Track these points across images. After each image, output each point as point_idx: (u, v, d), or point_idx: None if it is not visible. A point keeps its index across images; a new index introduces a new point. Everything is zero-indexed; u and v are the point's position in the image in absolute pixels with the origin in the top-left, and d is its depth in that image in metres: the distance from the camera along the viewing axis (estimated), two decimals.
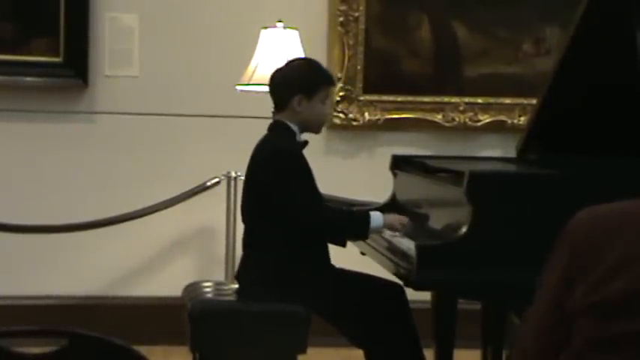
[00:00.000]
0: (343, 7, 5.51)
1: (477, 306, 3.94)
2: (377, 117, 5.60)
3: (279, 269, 3.69)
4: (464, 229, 3.21)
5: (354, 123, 5.59)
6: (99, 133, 5.51)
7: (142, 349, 1.80)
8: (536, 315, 1.81)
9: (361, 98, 5.59)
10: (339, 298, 3.72)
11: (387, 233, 3.72)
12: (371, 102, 5.60)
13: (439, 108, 5.64)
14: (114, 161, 5.49)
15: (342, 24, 5.52)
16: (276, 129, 3.81)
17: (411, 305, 3.79)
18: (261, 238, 3.76)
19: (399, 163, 4.23)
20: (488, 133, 5.66)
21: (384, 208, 4.01)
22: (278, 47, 4.84)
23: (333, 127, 5.53)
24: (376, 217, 3.70)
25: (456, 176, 3.43)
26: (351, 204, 4.88)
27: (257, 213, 3.78)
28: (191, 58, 5.52)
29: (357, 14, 5.52)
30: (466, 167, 3.39)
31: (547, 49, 5.62)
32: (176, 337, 4.41)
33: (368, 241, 3.82)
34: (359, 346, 3.77)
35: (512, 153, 3.94)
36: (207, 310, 3.76)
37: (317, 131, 3.89)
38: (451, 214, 3.46)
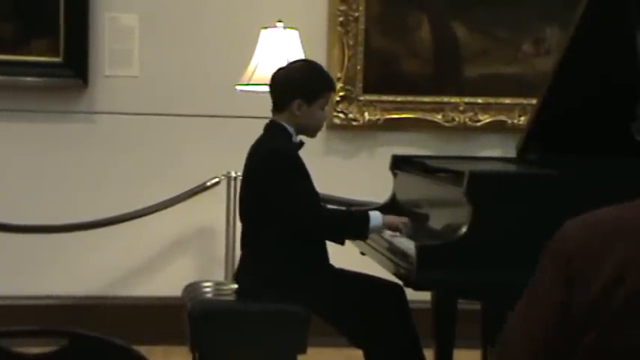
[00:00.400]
0: (343, 7, 5.51)
1: (476, 306, 3.93)
2: (377, 117, 5.61)
3: (277, 269, 3.69)
4: (464, 229, 3.21)
5: (354, 123, 5.59)
6: (99, 133, 5.51)
7: (142, 349, 1.80)
8: (530, 328, 1.76)
9: (361, 98, 5.59)
10: (338, 299, 3.72)
11: (388, 233, 3.71)
12: (371, 102, 5.60)
13: (439, 108, 5.64)
14: (114, 161, 5.49)
15: (341, 24, 5.52)
16: (272, 129, 3.81)
17: (411, 305, 3.79)
18: (259, 239, 3.76)
19: (399, 163, 4.23)
20: (488, 133, 5.66)
21: (383, 208, 4.01)
22: (278, 47, 4.84)
23: (333, 127, 5.53)
24: (375, 217, 3.69)
25: (456, 176, 3.43)
26: (350, 204, 4.89)
27: (255, 213, 3.78)
28: (191, 58, 5.52)
29: (356, 14, 5.52)
30: (466, 167, 3.39)
31: (547, 49, 5.62)
32: (176, 337, 4.41)
33: (368, 241, 3.82)
34: (359, 346, 3.77)
35: (512, 153, 3.93)
36: (207, 310, 3.76)
37: (312, 135, 3.88)
38: (451, 214, 3.46)
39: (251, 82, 4.82)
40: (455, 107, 5.65)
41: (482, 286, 3.24)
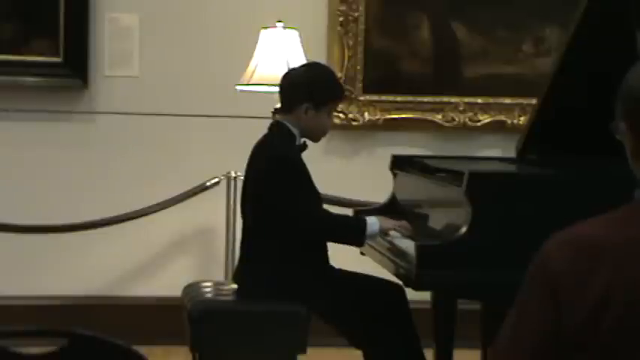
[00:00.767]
0: (343, 8, 5.51)
1: (476, 306, 3.93)
2: (377, 117, 5.61)
3: (277, 270, 3.69)
4: (464, 229, 3.21)
5: (354, 123, 5.59)
6: (98, 133, 5.51)
7: (142, 349, 1.80)
8: (521, 344, 1.74)
9: (361, 98, 5.59)
10: (338, 299, 3.71)
11: (389, 234, 3.71)
12: (371, 102, 5.60)
13: (439, 108, 5.64)
14: (114, 161, 5.49)
15: (341, 24, 5.52)
16: (277, 130, 3.80)
17: (411, 305, 3.79)
18: (260, 239, 3.76)
19: (399, 163, 4.22)
20: (488, 133, 5.66)
21: (383, 208, 4.01)
22: (278, 47, 4.83)
23: (333, 127, 5.50)
24: (372, 224, 3.68)
25: (455, 176, 3.43)
26: (350, 204, 4.88)
27: (255, 214, 3.78)
28: (191, 58, 5.52)
29: (356, 14, 5.52)
30: (466, 167, 3.39)
31: (547, 49, 5.62)
32: (176, 337, 4.41)
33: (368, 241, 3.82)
34: (358, 346, 3.77)
35: (512, 153, 3.93)
36: (207, 310, 3.76)
37: (315, 140, 3.86)
38: (451, 214, 3.46)
39: (251, 82, 4.82)
40: (455, 107, 5.65)
41: (482, 286, 3.24)
